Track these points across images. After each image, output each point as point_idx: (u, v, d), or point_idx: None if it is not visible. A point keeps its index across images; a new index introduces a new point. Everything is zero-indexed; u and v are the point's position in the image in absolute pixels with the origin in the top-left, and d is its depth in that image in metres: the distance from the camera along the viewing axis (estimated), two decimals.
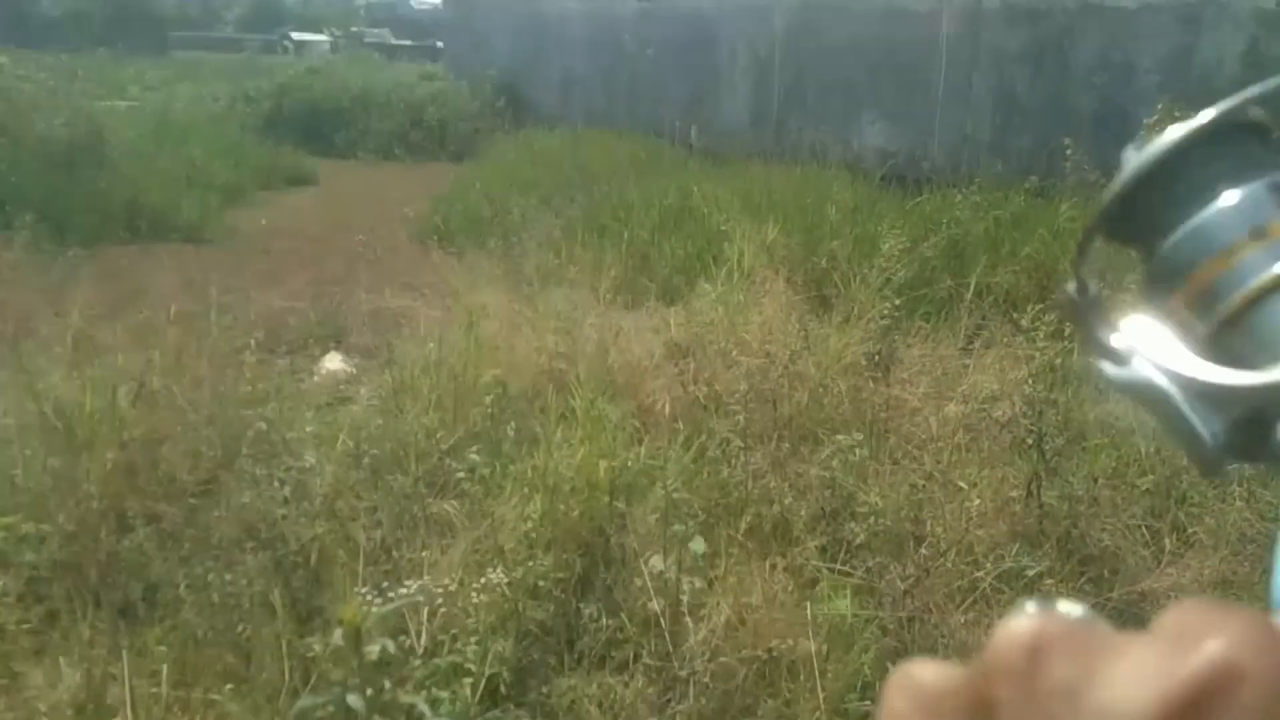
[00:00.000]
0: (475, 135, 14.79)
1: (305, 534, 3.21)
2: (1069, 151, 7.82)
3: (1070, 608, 0.26)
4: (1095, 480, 3.78)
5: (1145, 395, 0.38)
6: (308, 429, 4.02)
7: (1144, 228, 0.41)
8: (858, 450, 3.76)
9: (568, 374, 4.51)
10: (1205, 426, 0.37)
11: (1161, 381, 0.37)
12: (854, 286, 5.62)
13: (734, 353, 4.69)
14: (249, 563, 3.05)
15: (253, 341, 4.69)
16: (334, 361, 5.35)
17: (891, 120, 10.81)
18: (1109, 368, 0.40)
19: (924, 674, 0.27)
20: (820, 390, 4.40)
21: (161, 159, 10.99)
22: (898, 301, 5.20)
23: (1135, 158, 0.40)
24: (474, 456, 3.64)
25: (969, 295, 5.62)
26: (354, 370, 5.18)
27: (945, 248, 6.51)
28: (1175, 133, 0.40)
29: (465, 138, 14.74)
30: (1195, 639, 0.23)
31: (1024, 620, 0.25)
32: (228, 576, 2.97)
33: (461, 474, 3.57)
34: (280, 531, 3.17)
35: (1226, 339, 0.38)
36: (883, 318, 4.95)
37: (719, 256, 6.25)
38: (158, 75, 23.69)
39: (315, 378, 5.16)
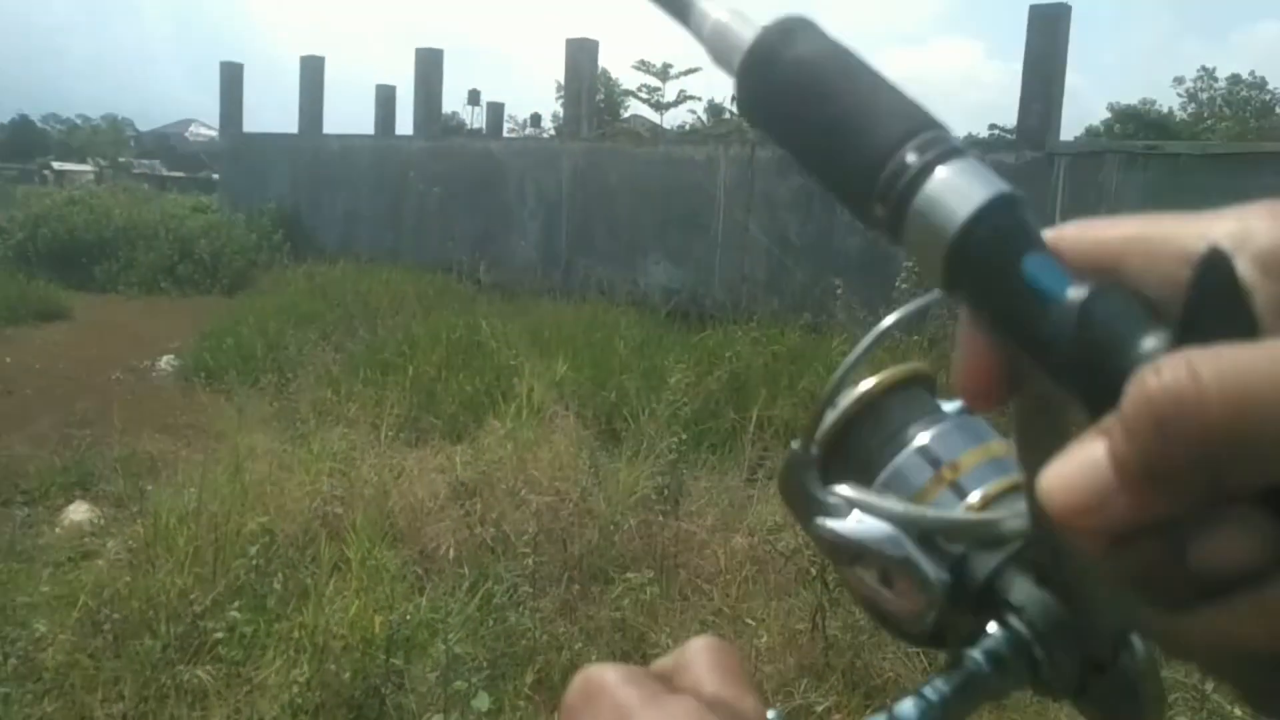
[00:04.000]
0: (251, 268, 14.21)
1: (31, 714, 2.81)
2: (839, 290, 8.32)
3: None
4: None
5: (869, 543, 0.39)
6: (42, 589, 3.60)
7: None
8: (648, 588, 3.68)
9: (343, 519, 4.24)
10: (933, 569, 0.38)
11: (886, 526, 0.39)
12: (643, 420, 5.64)
13: (523, 491, 4.55)
14: None
15: None
16: (79, 512, 4.84)
17: (675, 260, 11.20)
18: (827, 523, 0.41)
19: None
20: (611, 527, 4.32)
21: None
22: (685, 435, 5.23)
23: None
24: (234, 614, 3.32)
25: (751, 427, 5.73)
26: (102, 521, 4.70)
27: (728, 381, 6.68)
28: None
29: (240, 271, 14.11)
30: None
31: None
32: None
33: (220, 635, 3.24)
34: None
35: None
36: (671, 451, 4.96)
37: (508, 393, 6.15)
38: None
39: (57, 530, 4.65)
